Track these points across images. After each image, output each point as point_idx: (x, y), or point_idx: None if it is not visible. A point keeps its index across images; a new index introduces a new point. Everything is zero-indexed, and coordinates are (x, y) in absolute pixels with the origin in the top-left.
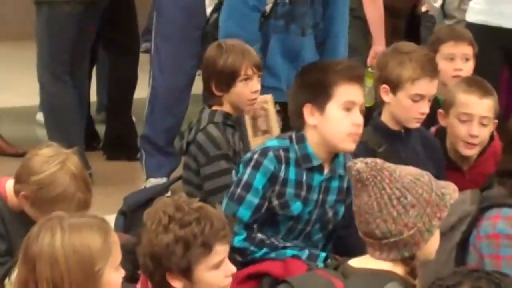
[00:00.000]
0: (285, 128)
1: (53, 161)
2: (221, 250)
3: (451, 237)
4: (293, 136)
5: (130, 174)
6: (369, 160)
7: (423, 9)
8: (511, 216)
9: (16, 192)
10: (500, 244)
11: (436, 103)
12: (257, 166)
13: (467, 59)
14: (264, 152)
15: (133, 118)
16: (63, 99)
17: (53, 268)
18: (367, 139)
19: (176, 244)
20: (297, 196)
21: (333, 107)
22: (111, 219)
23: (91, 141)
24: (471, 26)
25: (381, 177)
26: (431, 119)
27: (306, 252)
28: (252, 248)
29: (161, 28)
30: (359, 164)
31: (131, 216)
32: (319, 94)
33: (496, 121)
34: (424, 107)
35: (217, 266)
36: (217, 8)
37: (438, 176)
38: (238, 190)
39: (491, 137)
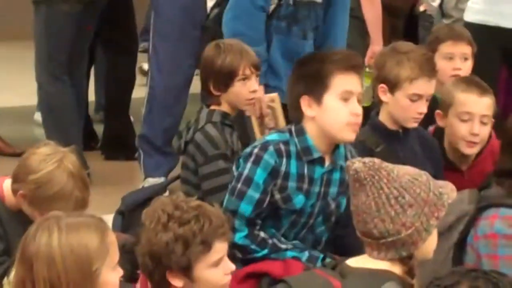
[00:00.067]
0: None
1: (51, 159)
2: (220, 248)
3: (448, 237)
4: (293, 129)
5: (128, 174)
6: (367, 159)
7: (421, 8)
8: (509, 216)
9: (14, 191)
10: (498, 244)
11: (435, 102)
12: (257, 161)
13: (465, 59)
14: (264, 146)
15: (131, 118)
16: (61, 99)
17: (50, 268)
18: (365, 139)
19: (176, 243)
20: (299, 189)
21: (331, 98)
22: (109, 218)
23: (89, 141)
24: (470, 26)
25: (379, 176)
26: (429, 118)
27: (306, 254)
28: (253, 246)
29: (159, 28)
30: (357, 163)
31: (129, 216)
32: (316, 85)
33: (493, 120)
34: (422, 107)
35: (216, 264)
36: (218, 3)
37: (436, 176)
38: (239, 185)
39: (489, 136)
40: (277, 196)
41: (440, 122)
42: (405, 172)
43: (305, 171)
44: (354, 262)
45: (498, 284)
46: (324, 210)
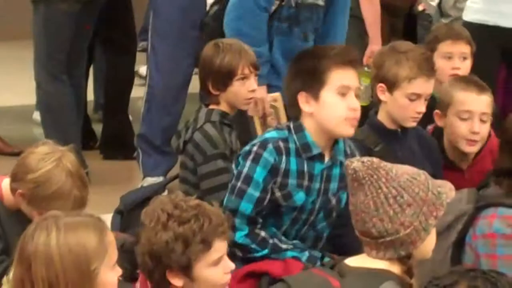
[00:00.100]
0: None
1: (49, 158)
2: (220, 247)
3: (447, 236)
4: (291, 126)
5: (127, 173)
6: (365, 159)
7: (420, 8)
8: (507, 215)
9: (13, 191)
10: (496, 244)
11: (433, 102)
12: (257, 159)
13: (464, 58)
14: (263, 144)
15: (130, 117)
16: (60, 98)
17: (49, 268)
18: (364, 138)
19: (176, 242)
20: (300, 186)
21: (328, 93)
22: (108, 218)
23: (88, 140)
24: (469, 25)
25: (378, 176)
26: (427, 117)
27: (306, 254)
28: (253, 246)
29: (158, 27)
30: (356, 163)
31: (127, 215)
32: (313, 81)
33: (492, 118)
34: (421, 106)
35: (216, 262)
36: (218, 1)
37: (435, 175)
38: (239, 184)
39: (488, 135)
40: (278, 193)
41: (439, 122)
42: (404, 171)
43: (305, 167)
44: (352, 261)
45: (497, 284)
46: (325, 206)
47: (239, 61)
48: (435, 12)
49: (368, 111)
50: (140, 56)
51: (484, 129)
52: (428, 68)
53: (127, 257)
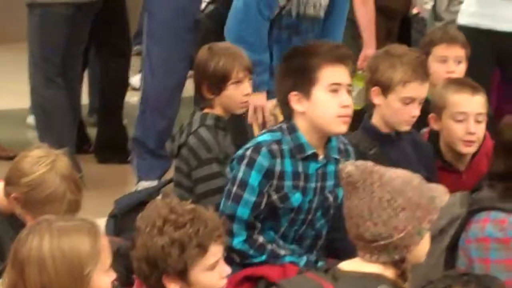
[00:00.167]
0: None
1: (43, 162)
2: (216, 251)
3: (440, 241)
4: (284, 127)
5: (122, 177)
6: (359, 163)
7: (414, 11)
8: (500, 219)
9: (7, 195)
10: (489, 248)
11: (428, 105)
12: (251, 164)
13: (459, 62)
14: (257, 148)
15: (125, 121)
16: (55, 102)
17: (42, 272)
18: (358, 142)
19: (172, 246)
20: (296, 187)
21: (319, 92)
22: (103, 222)
23: (82, 144)
24: (463, 28)
25: (371, 180)
26: (422, 121)
27: (304, 259)
28: (251, 252)
29: (152, 30)
30: (350, 167)
31: (122, 219)
32: (304, 80)
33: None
34: (415, 110)
35: (212, 267)
36: (214, 1)
37: (429, 179)
38: (234, 189)
39: (483, 137)
40: (274, 196)
41: (434, 125)
42: (398, 175)
43: (300, 168)
44: (346, 265)
45: None
46: (322, 204)
47: (233, 65)
48: (429, 16)
49: (362, 115)
50: (134, 60)
51: (480, 129)
52: (422, 72)
53: (122, 261)
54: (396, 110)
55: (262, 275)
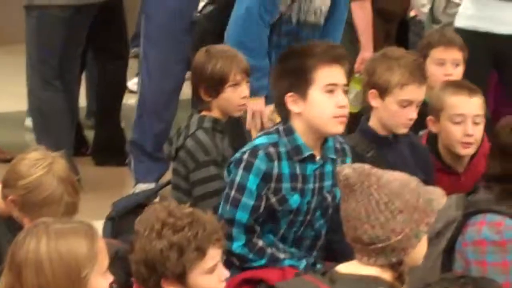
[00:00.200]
0: None
1: (40, 164)
2: (214, 254)
3: (437, 244)
4: (281, 129)
5: (119, 180)
6: (356, 165)
7: (412, 14)
8: (496, 222)
9: (4, 197)
10: (486, 251)
11: (425, 107)
12: (248, 167)
13: (457, 64)
14: (254, 152)
15: (122, 124)
16: (53, 104)
17: (39, 274)
18: (355, 144)
19: (170, 250)
20: (294, 189)
21: (315, 92)
22: (100, 224)
23: (80, 147)
24: (461, 31)
25: (369, 182)
26: (419, 123)
27: (304, 262)
28: (251, 256)
29: (149, 33)
30: (347, 169)
31: (119, 222)
32: (300, 81)
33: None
34: (412, 113)
35: (211, 270)
36: (212, 1)
37: (426, 182)
38: (233, 193)
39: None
40: (273, 199)
41: (432, 128)
42: (395, 178)
43: (297, 170)
44: (344, 268)
45: None
46: (321, 205)
47: (231, 67)
48: (427, 18)
49: (360, 118)
50: (131, 62)
51: (478, 131)
52: (420, 75)
53: (121, 264)
54: (394, 113)
55: (262, 278)
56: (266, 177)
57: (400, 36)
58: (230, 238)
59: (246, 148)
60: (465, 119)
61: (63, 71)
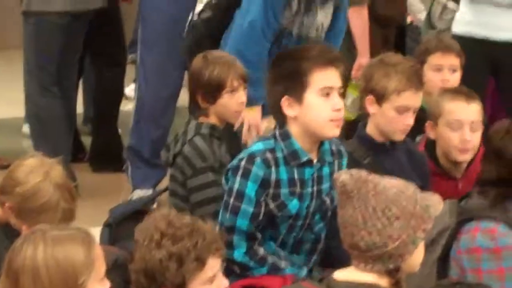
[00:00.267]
0: None
1: (37, 171)
2: (214, 264)
3: (432, 251)
4: (277, 134)
5: (117, 186)
6: (354, 172)
7: (408, 20)
8: (490, 228)
9: (1, 204)
10: (481, 258)
11: (422, 113)
12: (246, 174)
13: (454, 70)
14: (251, 158)
15: (119, 130)
16: (51, 110)
17: (36, 281)
18: (352, 151)
19: (170, 260)
20: (292, 194)
21: (311, 96)
22: (97, 231)
23: (77, 153)
24: (458, 37)
25: (366, 189)
26: (416, 129)
27: (305, 270)
28: (252, 264)
29: (146, 38)
30: (344, 176)
31: (117, 228)
32: (295, 84)
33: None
34: (409, 119)
35: (210, 280)
36: (211, 8)
37: (423, 188)
38: (232, 201)
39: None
40: (272, 205)
41: (431, 134)
42: (392, 184)
43: (295, 174)
44: (341, 274)
45: None
46: (320, 208)
47: (228, 73)
48: (423, 24)
49: (357, 124)
50: (129, 68)
51: (475, 137)
52: (417, 81)
53: (120, 272)
54: (391, 119)
55: (263, 286)
56: (264, 183)
57: (397, 42)
58: (230, 246)
59: (243, 154)
60: (463, 125)
61: (61, 78)
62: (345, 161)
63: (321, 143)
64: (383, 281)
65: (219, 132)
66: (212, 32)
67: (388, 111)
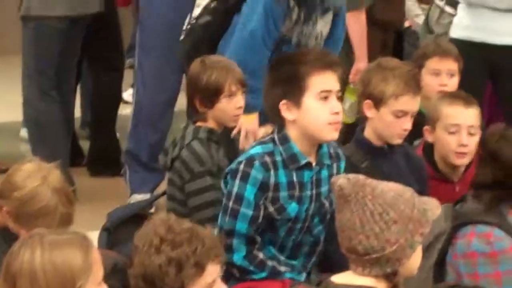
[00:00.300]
0: None
1: (35, 176)
2: (213, 270)
3: (428, 256)
4: (276, 138)
5: (115, 190)
6: (351, 176)
7: (406, 24)
8: (486, 233)
9: None
10: (477, 263)
11: (420, 118)
12: (245, 178)
13: (452, 75)
14: (249, 162)
15: (117, 134)
16: (49, 115)
17: (33, 285)
18: (350, 155)
19: (169, 265)
20: (291, 197)
21: (309, 100)
22: (95, 235)
23: (75, 157)
24: (456, 42)
25: (363, 193)
26: (414, 133)
27: (304, 275)
28: (251, 268)
29: (144, 41)
30: (342, 180)
31: (115, 232)
32: (293, 88)
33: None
34: (407, 123)
35: (209, 286)
36: (210, 12)
37: (421, 192)
38: (231, 204)
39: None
40: (271, 208)
41: (429, 138)
42: (390, 188)
43: (294, 177)
44: (338, 278)
45: None
46: (319, 211)
47: (226, 78)
48: (421, 29)
49: (355, 128)
50: (127, 73)
51: (472, 141)
52: (414, 85)
53: (119, 277)
54: (388, 123)
55: None
56: (263, 187)
57: (395, 46)
58: (230, 249)
59: (241, 158)
60: (460, 129)
61: (60, 82)
62: (343, 164)
63: (320, 146)
64: (381, 285)
65: (217, 136)
66: (210, 37)
67: (386, 116)
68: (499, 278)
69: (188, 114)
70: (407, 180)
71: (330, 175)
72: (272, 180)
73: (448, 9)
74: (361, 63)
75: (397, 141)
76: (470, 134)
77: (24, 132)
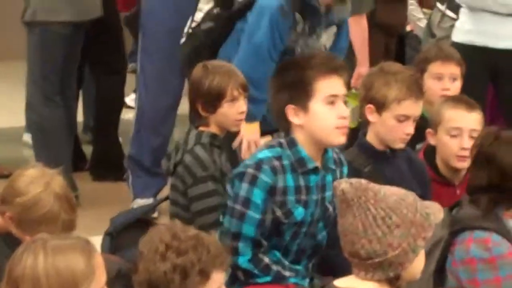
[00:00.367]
0: None
1: (38, 182)
2: (218, 278)
3: (428, 264)
4: (283, 142)
5: (117, 195)
6: (354, 180)
7: (408, 28)
8: (484, 238)
9: (1, 214)
10: (476, 269)
11: (424, 121)
12: (253, 181)
13: (454, 79)
14: (258, 165)
15: (120, 139)
16: (53, 120)
17: None
18: (352, 159)
19: (174, 272)
20: (298, 201)
21: (316, 104)
22: (98, 240)
23: (78, 162)
24: (458, 46)
25: (366, 197)
26: (416, 138)
27: (308, 280)
28: (256, 271)
29: (146, 47)
30: (344, 184)
31: (118, 237)
32: (300, 93)
33: None
34: (409, 128)
35: None
36: (212, 19)
37: (423, 196)
38: (238, 207)
39: None
40: (278, 212)
41: (431, 140)
42: (392, 192)
43: (301, 181)
44: (341, 282)
45: None
46: (323, 215)
47: (228, 83)
48: (424, 33)
49: (357, 133)
50: (129, 77)
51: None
52: (417, 90)
53: (123, 282)
54: (391, 128)
55: None
56: (271, 191)
57: (397, 50)
58: (236, 252)
59: (249, 161)
60: (462, 132)
61: (64, 87)
62: (345, 169)
63: (325, 151)
64: None
65: (220, 141)
66: (212, 42)
67: (388, 120)
68: (500, 284)
69: (191, 119)
70: (410, 184)
71: (334, 180)
72: (280, 184)
73: (450, 13)
74: (362, 67)
75: (400, 145)
76: (472, 138)
77: (27, 137)
